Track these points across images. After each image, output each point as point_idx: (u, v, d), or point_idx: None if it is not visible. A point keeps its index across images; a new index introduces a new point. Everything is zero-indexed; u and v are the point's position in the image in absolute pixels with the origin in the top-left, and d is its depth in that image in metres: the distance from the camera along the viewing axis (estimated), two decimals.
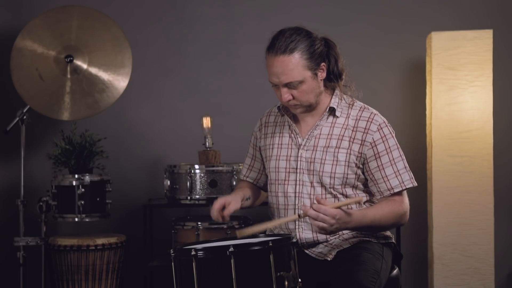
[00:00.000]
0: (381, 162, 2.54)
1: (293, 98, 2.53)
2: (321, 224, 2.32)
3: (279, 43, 2.48)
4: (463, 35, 3.94)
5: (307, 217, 2.55)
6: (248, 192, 2.76)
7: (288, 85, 2.50)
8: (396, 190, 2.54)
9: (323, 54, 2.54)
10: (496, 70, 4.02)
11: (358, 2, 4.31)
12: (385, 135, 2.55)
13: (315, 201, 2.36)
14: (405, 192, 2.58)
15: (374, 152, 2.54)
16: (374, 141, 2.54)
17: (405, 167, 2.56)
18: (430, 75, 3.97)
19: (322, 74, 2.55)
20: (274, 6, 4.30)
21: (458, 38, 3.94)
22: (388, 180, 2.54)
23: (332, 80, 2.60)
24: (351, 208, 2.47)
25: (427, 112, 4.07)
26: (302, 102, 2.54)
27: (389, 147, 2.54)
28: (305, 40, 2.51)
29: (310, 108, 2.58)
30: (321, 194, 2.55)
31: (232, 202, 2.59)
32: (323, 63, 2.54)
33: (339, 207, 2.35)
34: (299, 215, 2.39)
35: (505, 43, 4.21)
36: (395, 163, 2.54)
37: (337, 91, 2.62)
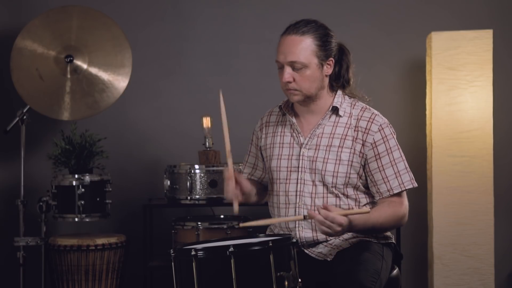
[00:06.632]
0: (381, 163, 2.53)
1: (294, 81, 2.52)
2: (326, 229, 2.34)
3: (295, 25, 2.52)
4: (463, 35, 3.94)
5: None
6: (254, 189, 2.72)
7: (292, 65, 2.50)
8: (395, 191, 2.54)
9: (333, 51, 2.55)
10: (496, 70, 4.01)
11: (358, 2, 4.31)
12: (386, 136, 2.54)
13: (321, 207, 2.34)
14: (404, 193, 2.57)
15: (374, 153, 2.54)
16: (375, 142, 2.53)
17: (406, 168, 2.55)
18: (430, 75, 3.97)
19: (328, 70, 2.56)
20: (274, 6, 4.30)
21: (458, 38, 3.94)
22: (388, 181, 2.53)
23: (341, 84, 2.61)
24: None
25: (427, 112, 4.07)
26: (302, 88, 2.52)
27: (390, 148, 2.54)
28: (321, 30, 2.53)
29: (308, 100, 2.56)
30: (323, 193, 2.55)
31: (240, 176, 2.57)
32: (331, 59, 2.55)
33: (346, 215, 2.35)
34: (304, 217, 2.38)
35: (505, 43, 4.21)
36: (395, 164, 2.54)
37: (339, 92, 2.62)
